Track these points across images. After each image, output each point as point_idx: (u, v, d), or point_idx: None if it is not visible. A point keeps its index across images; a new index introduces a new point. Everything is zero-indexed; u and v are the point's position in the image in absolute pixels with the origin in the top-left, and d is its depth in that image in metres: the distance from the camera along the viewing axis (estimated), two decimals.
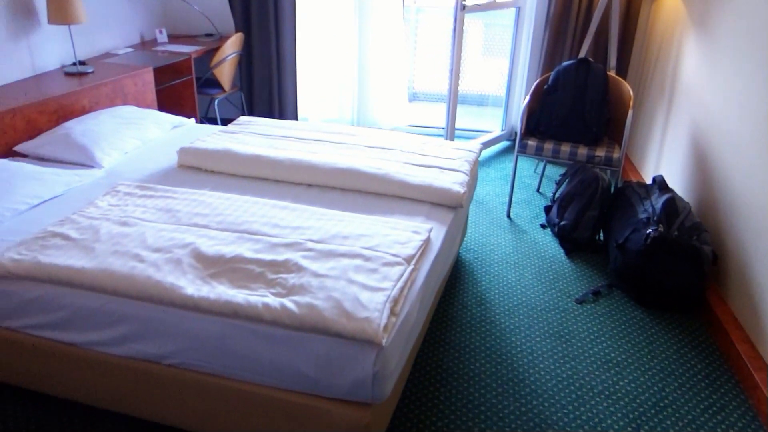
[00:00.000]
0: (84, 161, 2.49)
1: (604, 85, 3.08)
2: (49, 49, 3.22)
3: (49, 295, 1.66)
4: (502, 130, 4.38)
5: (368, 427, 1.50)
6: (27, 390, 1.92)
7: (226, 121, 4.42)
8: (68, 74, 3.14)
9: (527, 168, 3.95)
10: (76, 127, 2.63)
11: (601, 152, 2.99)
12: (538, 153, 3.07)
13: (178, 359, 1.60)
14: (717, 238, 2.47)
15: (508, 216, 3.25)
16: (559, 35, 3.88)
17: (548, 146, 3.05)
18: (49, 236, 1.83)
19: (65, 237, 1.82)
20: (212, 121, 4.45)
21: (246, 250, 1.75)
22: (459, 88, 3.75)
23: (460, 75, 3.72)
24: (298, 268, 1.66)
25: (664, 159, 3.20)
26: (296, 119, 4.36)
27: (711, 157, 2.58)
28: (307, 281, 1.60)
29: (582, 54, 3.54)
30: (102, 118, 2.78)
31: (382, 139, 2.70)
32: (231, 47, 3.80)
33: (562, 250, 2.91)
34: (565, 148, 3.03)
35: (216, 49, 3.86)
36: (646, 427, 1.87)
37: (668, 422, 1.89)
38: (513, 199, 3.45)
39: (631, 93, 3.02)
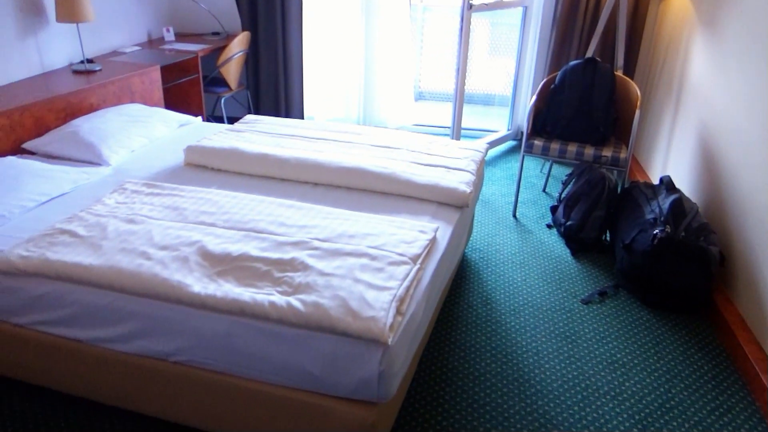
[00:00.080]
0: (91, 159, 2.50)
1: (611, 85, 3.07)
2: (58, 47, 3.24)
3: (56, 291, 1.67)
4: (509, 130, 4.37)
5: (374, 426, 1.50)
6: (33, 385, 1.93)
7: (232, 120, 4.44)
8: (76, 72, 3.15)
9: (533, 168, 3.94)
10: (83, 124, 2.64)
11: (607, 152, 2.98)
12: (545, 153, 3.07)
13: (184, 357, 1.60)
14: (724, 240, 2.46)
15: (514, 216, 3.25)
16: (566, 35, 3.87)
17: (555, 146, 3.05)
18: (57, 233, 1.84)
19: (73, 234, 1.83)
20: (218, 120, 4.46)
21: (252, 248, 1.75)
22: (465, 87, 3.74)
23: (466, 74, 3.71)
24: (305, 267, 1.66)
25: (671, 159, 3.18)
26: (302, 118, 4.36)
27: (719, 157, 2.57)
28: (313, 280, 1.60)
29: (589, 53, 3.53)
30: (109, 116, 2.79)
31: (388, 138, 2.70)
32: (238, 46, 3.81)
33: (568, 251, 2.90)
34: (572, 148, 3.02)
35: (223, 48, 3.87)
36: (652, 429, 1.87)
37: (674, 423, 1.89)
38: (519, 198, 3.45)
39: (639, 93, 3.01)
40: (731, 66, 2.55)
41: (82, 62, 3.27)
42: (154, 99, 3.39)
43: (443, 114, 5.08)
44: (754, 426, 1.89)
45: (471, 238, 2.97)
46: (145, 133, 2.77)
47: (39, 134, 2.67)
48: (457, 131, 3.85)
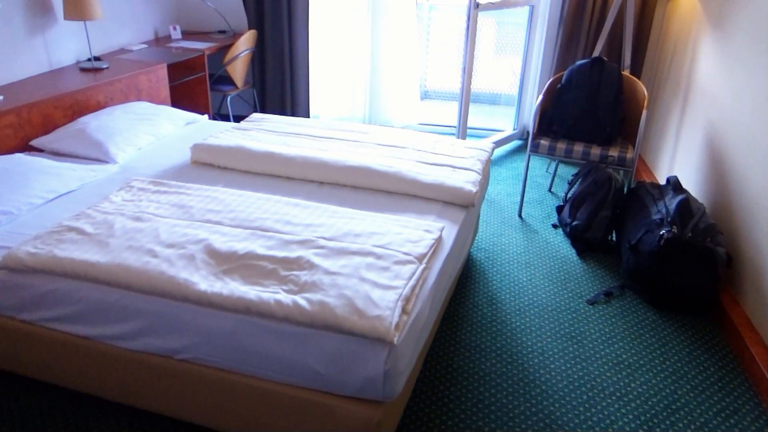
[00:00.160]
0: (99, 156, 2.51)
1: (618, 85, 3.06)
2: (65, 45, 3.25)
3: (63, 288, 1.68)
4: (514, 129, 4.36)
5: (378, 425, 1.50)
6: (40, 381, 1.94)
7: (238, 118, 4.45)
8: (83, 70, 3.17)
9: (539, 167, 3.93)
10: (91, 122, 2.65)
11: (614, 152, 2.97)
12: (551, 152, 3.06)
13: (190, 354, 1.61)
14: (732, 240, 2.45)
15: (520, 215, 3.24)
16: (573, 34, 3.86)
17: (561, 146, 3.04)
18: (65, 230, 1.85)
19: (80, 231, 1.84)
20: (224, 118, 4.47)
21: (258, 246, 1.75)
22: (471, 86, 3.73)
23: (472, 73, 3.70)
24: (311, 266, 1.66)
25: (678, 160, 3.17)
26: (308, 117, 4.37)
27: (726, 158, 2.56)
28: (319, 279, 1.60)
29: (596, 53, 3.51)
30: (116, 113, 2.80)
31: (394, 137, 2.70)
32: (244, 44, 3.82)
33: (573, 251, 2.90)
34: (578, 147, 3.01)
35: (229, 46, 3.87)
36: (658, 430, 1.86)
37: (680, 425, 1.88)
38: (525, 198, 3.44)
39: (646, 93, 3.00)
40: (739, 66, 2.54)
41: (89, 60, 3.29)
42: (161, 97, 3.40)
43: (449, 113, 5.07)
44: (761, 428, 1.88)
45: (476, 238, 2.97)
46: (151, 131, 2.77)
47: (47, 131, 2.68)
48: (462, 130, 3.85)
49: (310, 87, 4.31)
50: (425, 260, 1.76)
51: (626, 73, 3.31)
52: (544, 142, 3.06)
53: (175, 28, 4.04)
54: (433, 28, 5.28)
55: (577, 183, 3.05)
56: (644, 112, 2.90)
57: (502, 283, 2.61)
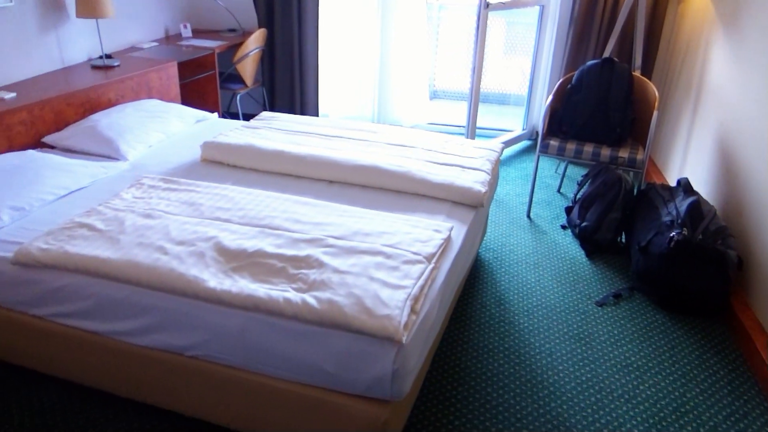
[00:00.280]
0: (110, 153, 2.53)
1: (629, 86, 3.04)
2: (77, 43, 3.27)
3: (74, 284, 1.69)
4: (524, 130, 4.35)
5: (386, 424, 1.50)
6: (50, 376, 1.95)
7: (247, 117, 4.46)
8: (95, 67, 3.19)
9: (548, 168, 3.91)
10: (102, 119, 2.67)
11: (624, 153, 2.96)
12: (560, 153, 3.05)
13: (199, 351, 1.61)
14: (743, 243, 2.43)
15: (529, 216, 3.23)
16: (584, 34, 3.84)
17: (570, 146, 3.03)
18: (76, 227, 1.86)
19: (91, 228, 1.85)
20: (234, 116, 4.48)
21: (268, 244, 1.76)
22: (481, 86, 3.73)
23: (482, 73, 3.69)
24: (320, 264, 1.67)
25: (689, 161, 3.15)
26: (317, 115, 4.37)
27: (738, 160, 2.54)
28: (328, 277, 1.60)
29: (606, 53, 3.49)
30: (127, 111, 2.82)
31: (403, 136, 2.70)
32: (254, 43, 3.83)
33: (582, 252, 2.88)
34: (588, 148, 3.00)
35: (239, 45, 3.89)
36: None
37: (689, 428, 1.87)
38: (533, 199, 3.43)
39: (657, 94, 2.98)
40: (752, 67, 2.51)
41: (101, 57, 3.31)
42: (171, 95, 3.42)
43: (458, 113, 5.06)
44: None
45: (485, 238, 2.97)
46: (162, 129, 2.79)
47: (58, 128, 2.70)
48: (472, 130, 3.84)
49: (320, 86, 4.32)
50: (434, 260, 1.75)
51: (637, 73, 3.29)
52: (554, 143, 3.05)
53: (185, 27, 4.06)
54: (442, 27, 5.27)
55: (587, 184, 3.03)
56: (655, 113, 2.88)
57: (511, 283, 2.60)
